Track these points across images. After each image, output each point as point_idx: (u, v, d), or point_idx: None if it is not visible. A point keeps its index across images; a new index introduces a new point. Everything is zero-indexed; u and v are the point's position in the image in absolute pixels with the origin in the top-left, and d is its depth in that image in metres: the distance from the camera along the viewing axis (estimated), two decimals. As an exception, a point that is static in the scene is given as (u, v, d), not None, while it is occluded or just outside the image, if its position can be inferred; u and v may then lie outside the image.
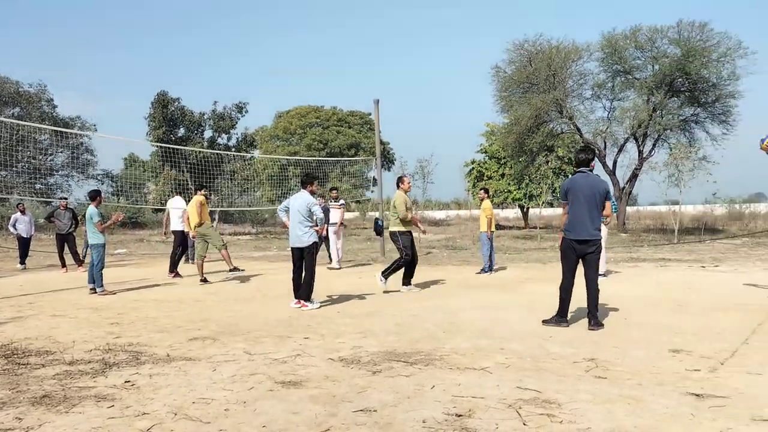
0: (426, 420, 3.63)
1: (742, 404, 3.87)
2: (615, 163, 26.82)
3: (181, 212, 13.20)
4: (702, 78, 23.96)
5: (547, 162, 28.71)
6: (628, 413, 3.73)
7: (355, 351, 5.51)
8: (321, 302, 8.41)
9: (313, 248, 8.36)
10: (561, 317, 6.66)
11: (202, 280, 11.29)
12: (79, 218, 14.41)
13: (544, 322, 6.72)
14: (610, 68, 26.19)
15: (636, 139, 26.01)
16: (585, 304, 6.63)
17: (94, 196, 10.25)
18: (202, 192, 11.73)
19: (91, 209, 10.03)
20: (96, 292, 9.82)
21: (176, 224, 13.51)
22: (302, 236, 8.23)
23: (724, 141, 25.10)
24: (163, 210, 15.37)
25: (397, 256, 9.90)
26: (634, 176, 26.40)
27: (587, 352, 5.34)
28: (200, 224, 11.30)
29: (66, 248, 14.19)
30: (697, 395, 4.07)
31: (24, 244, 15.30)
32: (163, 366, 5.03)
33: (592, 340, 5.89)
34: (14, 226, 15.31)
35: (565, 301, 6.65)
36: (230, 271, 11.38)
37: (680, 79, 24.47)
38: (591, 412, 3.74)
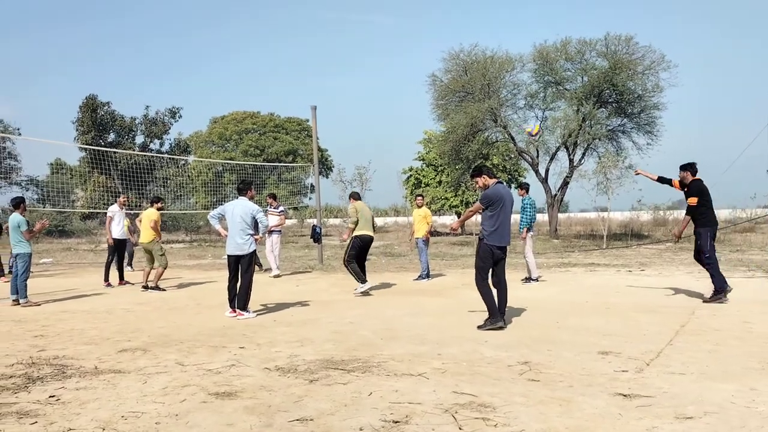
0: (363, 427, 3.62)
1: (666, 403, 4.04)
2: (547, 171, 27.64)
3: (119, 220, 12.73)
4: (628, 89, 25.01)
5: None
6: (559, 414, 3.84)
7: (291, 360, 5.45)
8: (256, 311, 8.29)
9: (252, 257, 8.27)
10: (495, 319, 6.82)
11: (144, 287, 11.13)
12: (3, 227, 13.68)
13: (479, 327, 6.84)
14: (542, 79, 27.00)
15: (567, 148, 26.89)
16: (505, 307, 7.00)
17: (18, 203, 9.79)
18: (158, 205, 11.58)
19: (18, 217, 9.58)
20: (19, 304, 9.36)
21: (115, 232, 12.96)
22: (243, 244, 8.11)
23: (648, 150, 26.29)
24: (96, 216, 14.80)
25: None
26: (565, 184, 27.27)
27: (521, 356, 5.46)
28: (152, 240, 11.14)
29: None
30: (625, 395, 4.22)
31: None
32: (91, 379, 4.83)
33: (525, 343, 6.03)
34: None
35: (492, 302, 6.87)
36: (153, 287, 11.10)
37: (608, 91, 25.47)
38: (524, 414, 3.83)
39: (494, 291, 6.99)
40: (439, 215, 43.06)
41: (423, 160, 39.18)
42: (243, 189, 8.46)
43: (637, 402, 4.07)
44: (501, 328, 6.74)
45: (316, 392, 4.38)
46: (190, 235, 34.61)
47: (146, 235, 11.19)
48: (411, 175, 39.75)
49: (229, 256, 8.23)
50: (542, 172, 27.64)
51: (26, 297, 9.47)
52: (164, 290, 11.17)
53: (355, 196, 10.74)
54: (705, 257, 8.54)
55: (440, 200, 36.87)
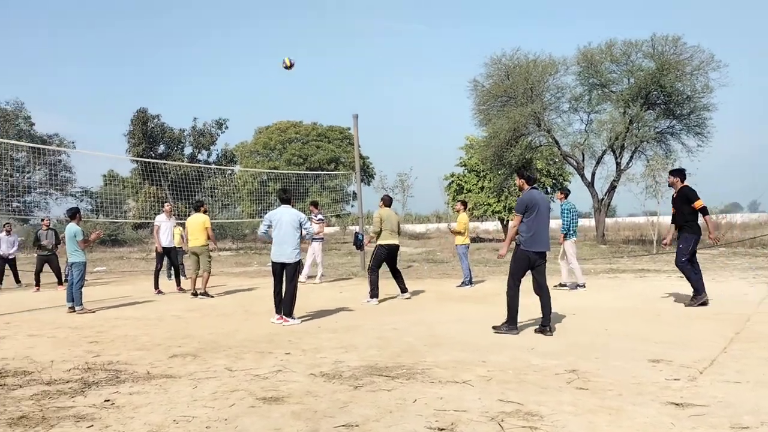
0: (409, 434, 3.62)
1: (721, 413, 3.92)
2: (593, 175, 27.15)
3: (166, 228, 13.01)
4: (676, 91, 24.41)
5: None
6: (609, 423, 3.76)
7: (336, 366, 5.49)
8: (301, 317, 8.38)
9: (297, 265, 8.41)
10: (512, 325, 6.91)
11: (193, 294, 11.38)
12: (60, 236, 14.17)
13: (494, 328, 7.00)
14: (586, 82, 26.59)
15: (613, 151, 26.37)
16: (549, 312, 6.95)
17: (74, 213, 10.16)
18: (204, 208, 11.78)
19: (74, 227, 9.93)
20: (75, 311, 9.69)
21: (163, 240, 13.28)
22: (290, 252, 8.24)
23: (699, 152, 25.58)
24: (146, 226, 15.20)
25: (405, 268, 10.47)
26: (612, 188, 26.73)
27: (568, 364, 5.38)
28: (204, 245, 11.40)
29: (45, 268, 14.00)
30: (677, 404, 4.12)
31: (3, 265, 14.91)
32: (144, 384, 4.97)
33: (573, 351, 5.93)
34: None
35: (516, 310, 6.94)
36: (202, 293, 11.36)
37: (655, 92, 24.91)
38: (573, 424, 3.76)
39: (536, 298, 6.97)
40: (482, 221, 42.71)
41: (465, 165, 39.00)
42: (287, 199, 8.60)
43: (690, 411, 3.96)
44: (516, 333, 6.85)
45: (361, 398, 4.40)
46: (237, 243, 35.22)
47: (200, 239, 11.36)
48: (453, 181, 39.60)
49: (274, 263, 8.34)
50: (588, 176, 27.17)
51: (81, 304, 9.80)
52: (212, 297, 11.40)
53: (386, 201, 10.66)
54: (681, 261, 8.65)
55: (483, 206, 36.60)
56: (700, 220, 8.72)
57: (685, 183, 8.87)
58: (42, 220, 14.44)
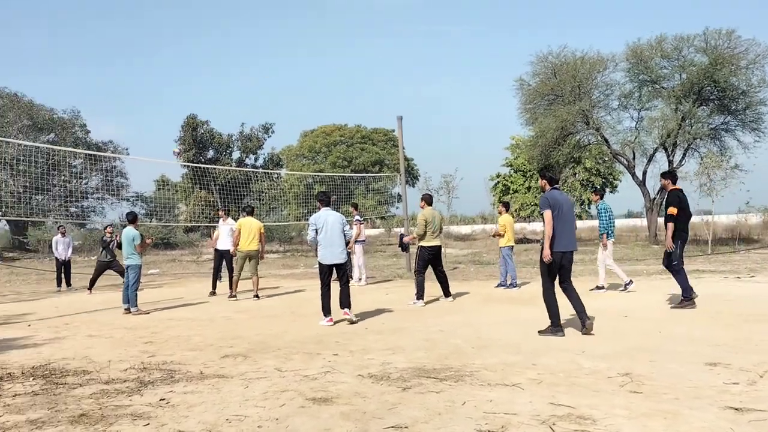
0: (458, 436, 3.61)
1: (783, 418, 3.78)
2: (644, 173, 26.51)
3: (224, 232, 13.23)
4: (731, 86, 23.60)
5: (575, 174, 28.45)
6: (665, 428, 3.67)
7: (384, 367, 5.51)
8: (356, 318, 8.44)
9: (347, 265, 8.69)
10: (556, 327, 6.89)
11: (231, 296, 11.59)
12: (116, 239, 14.54)
13: (540, 332, 6.95)
14: (636, 78, 25.96)
15: (665, 149, 25.68)
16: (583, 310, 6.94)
17: (134, 218, 10.54)
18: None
19: (133, 231, 10.27)
20: (130, 312, 9.99)
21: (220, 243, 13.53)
22: (340, 253, 8.42)
23: (756, 149, 24.68)
24: (197, 229, 15.53)
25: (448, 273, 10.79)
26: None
27: (621, 367, 5.26)
28: (258, 248, 11.60)
29: (105, 272, 14.51)
30: (737, 409, 3.98)
31: (60, 267, 15.52)
32: (197, 384, 5.09)
33: (625, 354, 5.80)
34: (55, 248, 15.55)
35: (557, 311, 6.93)
36: (255, 296, 11.61)
37: (709, 87, 24.14)
38: (627, 428, 3.68)
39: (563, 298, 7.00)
40: (529, 222, 42.15)
41: (511, 165, 38.60)
42: (328, 201, 8.70)
43: (750, 416, 3.83)
44: (562, 335, 6.80)
45: (410, 400, 4.41)
46: (283, 246, 35.69)
47: (253, 242, 11.55)
48: (499, 182, 39.24)
49: (324, 265, 8.44)
50: (639, 174, 26.52)
51: (137, 306, 10.11)
52: (258, 298, 11.61)
53: (427, 200, 10.49)
54: (674, 265, 8.66)
55: (529, 206, 36.16)
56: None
57: (677, 186, 8.96)
58: (105, 228, 14.88)
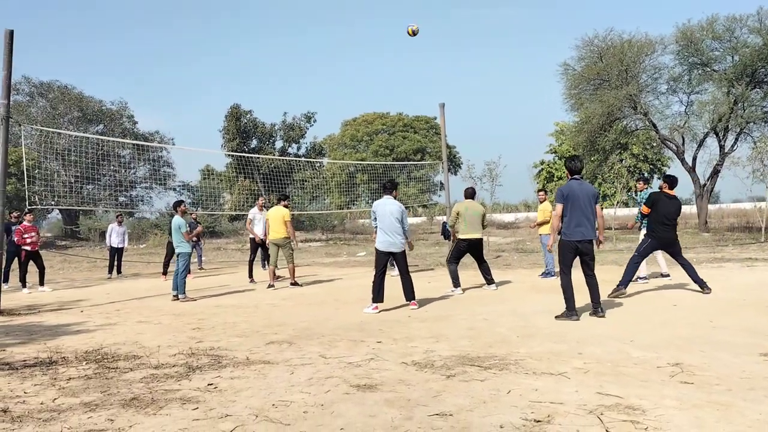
0: (503, 425, 3.58)
1: (844, 412, 3.63)
2: (694, 159, 25.73)
3: (260, 221, 13.50)
4: (787, 67, 22.66)
5: (621, 160, 27.80)
6: (718, 419, 3.56)
7: (428, 355, 5.51)
8: (411, 305, 8.49)
9: (405, 252, 8.69)
10: (571, 312, 7.17)
11: (270, 286, 11.74)
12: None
13: (557, 317, 7.22)
14: (686, 61, 25.15)
15: (716, 134, 24.85)
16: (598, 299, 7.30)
17: (177, 205, 10.77)
18: (285, 203, 12.02)
19: (179, 220, 10.51)
20: (178, 299, 10.23)
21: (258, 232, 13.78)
22: (398, 241, 8.44)
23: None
24: (242, 218, 15.79)
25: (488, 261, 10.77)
26: (715, 172, 25.23)
27: (671, 357, 5.13)
28: (285, 236, 11.68)
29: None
30: (794, 402, 3.84)
31: (113, 255, 15.96)
32: (243, 369, 5.18)
33: (675, 344, 5.66)
34: (109, 235, 15.99)
35: (571, 296, 7.22)
36: (291, 283, 11.76)
37: (763, 69, 23.23)
38: (677, 419, 3.59)
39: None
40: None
41: (555, 152, 37.95)
42: (391, 188, 8.71)
43: (810, 410, 3.68)
44: (576, 319, 7.09)
45: (454, 388, 4.39)
46: (326, 234, 35.99)
47: (280, 231, 11.66)
48: (543, 169, 38.65)
49: (381, 251, 8.47)
50: (689, 160, 25.75)
51: (185, 293, 10.34)
52: (300, 285, 11.76)
53: (466, 193, 10.44)
54: (634, 255, 9.17)
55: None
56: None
57: (661, 189, 9.29)
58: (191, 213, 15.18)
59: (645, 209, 9.22)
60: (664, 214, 8.91)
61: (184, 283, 10.41)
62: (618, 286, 8.83)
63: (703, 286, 8.81)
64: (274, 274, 11.97)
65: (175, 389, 4.60)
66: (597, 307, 7.32)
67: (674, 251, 9.07)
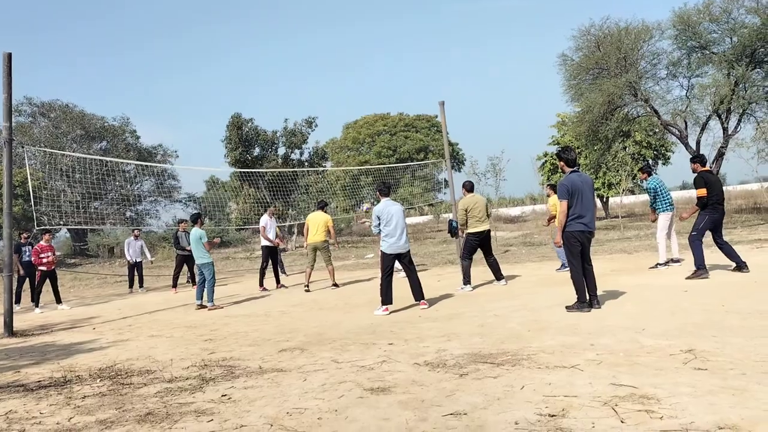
0: (518, 421, 3.58)
1: None
2: (698, 143, 25.54)
3: (270, 228, 13.59)
4: (787, 45, 22.50)
5: (625, 148, 27.70)
6: (733, 405, 3.55)
7: (440, 354, 5.50)
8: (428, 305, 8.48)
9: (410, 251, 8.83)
10: (582, 303, 7.16)
11: (306, 288, 11.98)
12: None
13: (567, 308, 7.25)
14: (684, 45, 24.98)
15: (719, 116, 24.68)
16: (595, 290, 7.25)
17: (197, 218, 10.90)
18: (325, 209, 12.46)
19: (199, 231, 10.66)
20: (206, 308, 10.44)
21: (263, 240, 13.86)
22: (406, 242, 8.60)
23: (816, 111, 23.47)
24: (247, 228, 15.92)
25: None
26: (720, 155, 25.06)
27: (684, 344, 5.11)
28: (324, 240, 12.05)
29: (183, 269, 15.16)
30: (809, 383, 3.82)
31: (132, 269, 16.04)
32: (257, 378, 5.19)
33: (687, 330, 5.63)
34: (127, 249, 16.08)
35: (582, 287, 7.21)
36: (333, 285, 12.12)
37: (762, 49, 23.05)
38: (693, 406, 3.58)
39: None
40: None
41: (558, 144, 37.82)
42: (387, 192, 8.77)
43: (826, 391, 3.66)
44: (588, 310, 7.08)
45: (467, 386, 4.39)
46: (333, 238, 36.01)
47: (320, 235, 12.01)
48: (546, 161, 38.55)
49: (389, 255, 8.49)
50: (693, 144, 25.61)
51: (212, 301, 10.52)
52: (338, 286, 12.15)
53: (467, 187, 10.40)
54: (693, 235, 9.13)
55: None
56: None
57: (706, 168, 9.45)
58: (179, 222, 15.38)
59: (703, 191, 9.14)
60: (719, 190, 9.20)
61: (213, 291, 10.68)
62: (697, 270, 8.94)
63: (741, 266, 9.09)
64: (309, 278, 12.21)
65: (189, 402, 4.62)
66: (594, 299, 7.27)
67: (720, 229, 9.35)
